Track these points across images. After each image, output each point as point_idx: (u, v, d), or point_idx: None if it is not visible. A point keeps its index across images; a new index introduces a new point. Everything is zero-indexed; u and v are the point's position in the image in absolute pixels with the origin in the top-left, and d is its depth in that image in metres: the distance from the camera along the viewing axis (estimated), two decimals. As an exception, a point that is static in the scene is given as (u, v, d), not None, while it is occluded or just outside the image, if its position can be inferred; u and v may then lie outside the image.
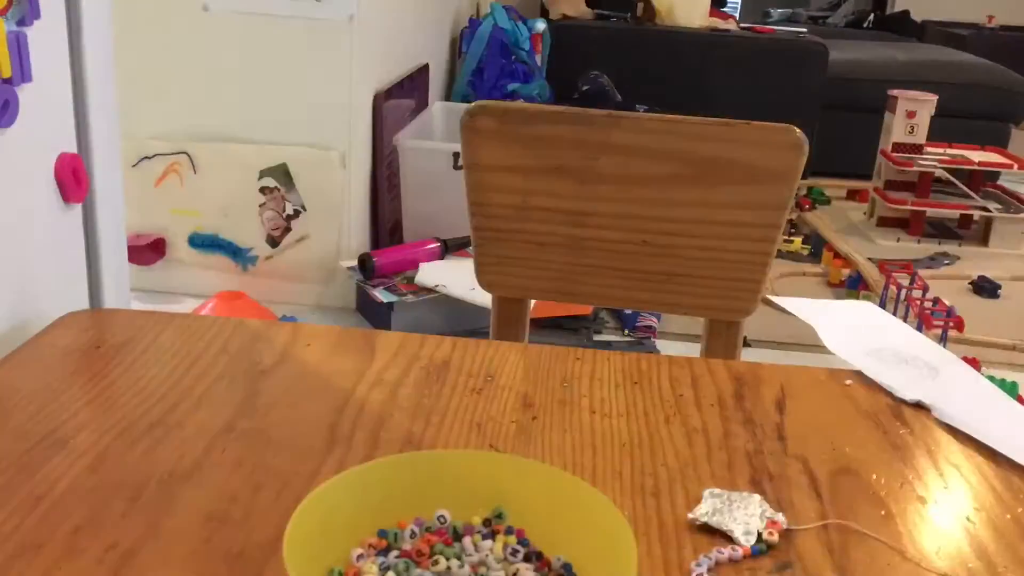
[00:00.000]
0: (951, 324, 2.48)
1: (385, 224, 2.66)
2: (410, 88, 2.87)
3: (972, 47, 5.10)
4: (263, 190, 2.45)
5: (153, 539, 0.57)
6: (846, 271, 2.98)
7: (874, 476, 0.69)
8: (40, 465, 0.64)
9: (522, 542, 0.56)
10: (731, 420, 0.76)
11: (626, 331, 2.46)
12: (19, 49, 0.88)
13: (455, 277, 2.36)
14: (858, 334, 0.92)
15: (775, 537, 0.60)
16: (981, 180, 3.54)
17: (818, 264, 3.12)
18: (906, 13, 6.25)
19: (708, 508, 0.62)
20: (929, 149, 3.53)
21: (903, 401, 0.81)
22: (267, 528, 0.59)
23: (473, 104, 1.04)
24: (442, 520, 0.57)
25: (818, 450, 0.72)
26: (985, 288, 2.96)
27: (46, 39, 0.93)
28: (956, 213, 3.52)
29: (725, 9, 5.28)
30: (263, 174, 2.43)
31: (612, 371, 0.83)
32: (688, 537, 0.60)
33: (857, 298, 2.79)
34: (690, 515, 0.62)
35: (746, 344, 2.32)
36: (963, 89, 4.10)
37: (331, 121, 2.41)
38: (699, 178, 1.03)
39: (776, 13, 6.44)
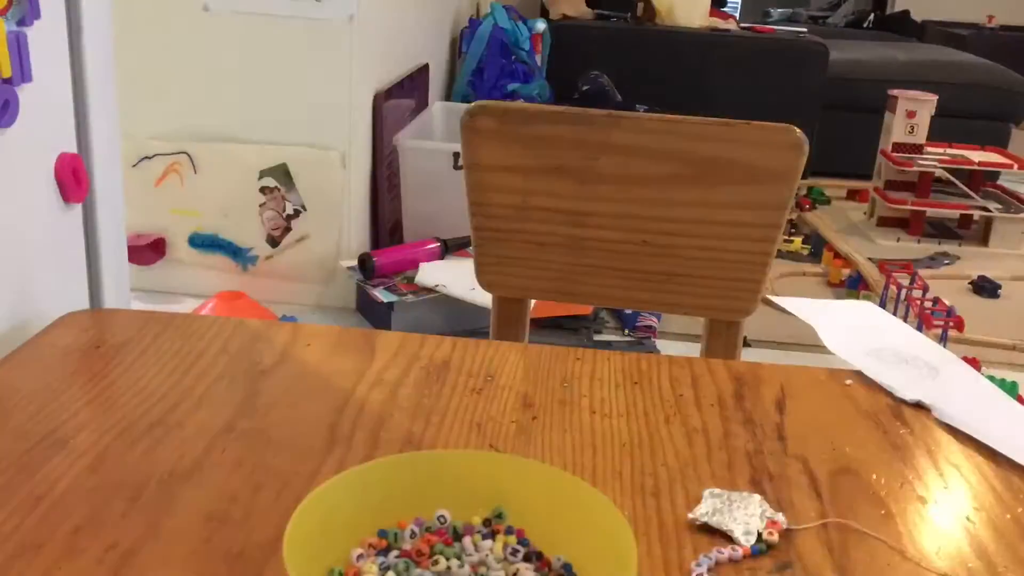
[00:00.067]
0: (951, 324, 2.48)
1: (385, 224, 2.66)
2: (410, 88, 2.87)
3: (972, 47, 5.10)
4: (263, 190, 2.45)
5: (153, 539, 0.57)
6: (846, 271, 2.98)
7: (874, 476, 0.69)
8: (40, 465, 0.64)
9: (522, 542, 0.56)
10: (731, 420, 0.76)
11: (626, 331, 2.46)
12: (19, 49, 0.88)
13: (455, 277, 2.36)
14: (858, 334, 0.92)
15: (775, 537, 0.60)
16: (981, 180, 3.54)
17: (818, 264, 3.12)
18: (906, 13, 6.25)
19: (708, 508, 0.62)
20: (929, 149, 3.53)
21: (903, 401, 0.81)
22: (267, 528, 0.59)
23: (473, 104, 1.04)
24: (442, 520, 0.57)
25: (818, 450, 0.72)
26: (985, 288, 2.96)
27: (46, 39, 0.93)
28: (956, 213, 3.52)
29: (725, 9, 5.28)
30: (263, 174, 2.44)
31: (612, 371, 0.83)
32: (688, 537, 0.60)
33: (857, 298, 2.79)
34: (690, 515, 0.62)
35: (746, 344, 2.32)
36: (963, 89, 4.10)
37: (331, 121, 2.41)
38: (699, 178, 1.03)
39: (776, 13, 6.44)
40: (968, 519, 0.65)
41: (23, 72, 0.88)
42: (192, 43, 2.38)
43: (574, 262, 1.08)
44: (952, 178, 3.41)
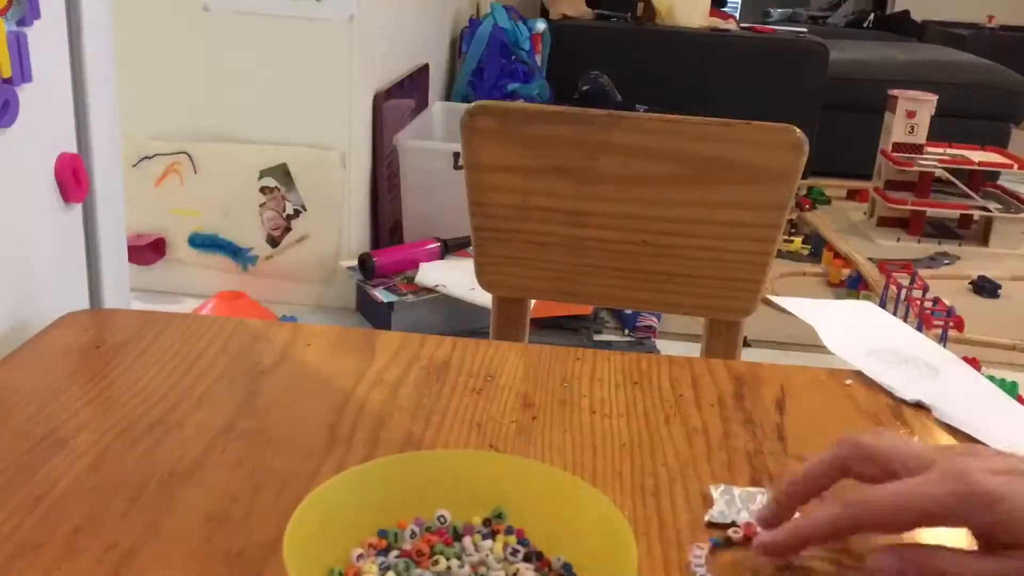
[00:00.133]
0: (951, 324, 2.48)
1: (385, 224, 2.66)
2: (410, 88, 2.87)
3: (972, 47, 5.10)
4: (263, 190, 2.45)
5: (153, 539, 0.57)
6: (846, 271, 2.98)
7: (874, 476, 0.69)
8: (40, 465, 0.64)
9: (522, 542, 0.56)
10: (731, 420, 0.76)
11: (626, 331, 2.46)
12: (19, 49, 0.88)
13: (455, 277, 2.36)
14: (858, 334, 0.92)
15: (739, 535, 0.59)
16: (981, 180, 3.54)
17: (818, 264, 3.12)
18: (906, 13, 6.25)
19: (722, 507, 0.62)
20: (929, 149, 3.53)
21: (903, 401, 0.80)
22: (267, 528, 0.59)
23: (473, 104, 1.04)
24: (442, 520, 0.57)
25: (818, 450, 0.72)
26: (985, 288, 2.96)
27: (46, 39, 0.93)
28: (956, 213, 3.52)
29: (725, 9, 5.28)
30: (263, 174, 2.44)
31: (612, 371, 0.83)
32: (689, 537, 0.60)
33: (857, 298, 2.79)
34: (707, 517, 0.62)
35: (746, 344, 2.32)
36: (963, 89, 4.10)
37: (331, 121, 2.41)
38: (699, 178, 1.03)
39: (776, 13, 6.44)
40: (968, 519, 0.65)
41: (23, 72, 0.88)
42: (192, 43, 2.39)
43: (574, 262, 1.08)
44: (952, 178, 3.41)
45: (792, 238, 3.30)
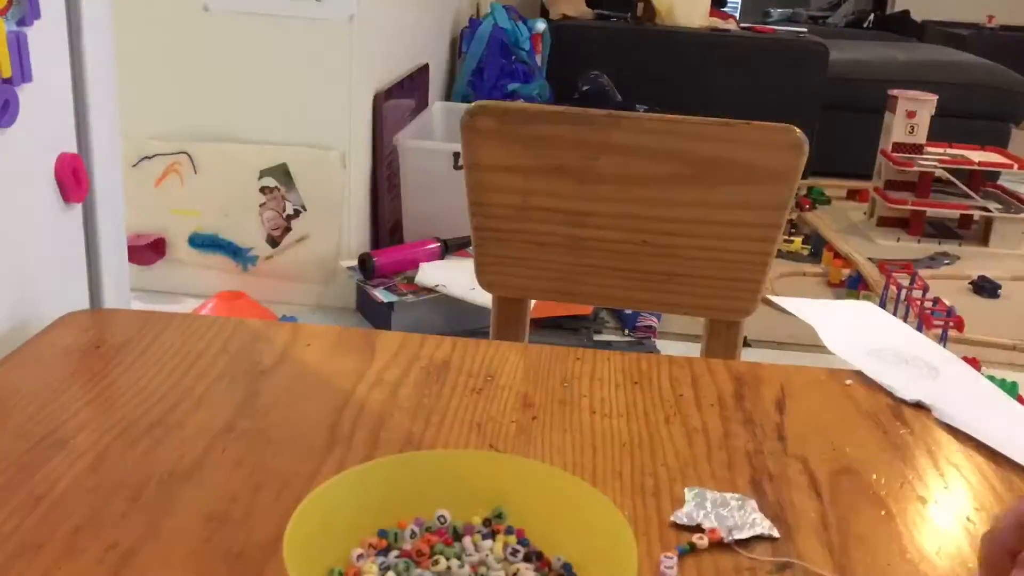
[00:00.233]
0: (951, 324, 2.48)
1: (385, 224, 2.66)
2: (410, 88, 2.87)
3: (972, 47, 5.10)
4: (263, 190, 2.45)
5: (153, 539, 0.57)
6: (846, 271, 2.98)
7: (874, 476, 0.69)
8: (40, 465, 0.64)
9: (522, 542, 0.56)
10: (731, 420, 0.76)
11: (626, 331, 2.46)
12: (19, 49, 0.88)
13: (455, 277, 2.36)
14: (858, 334, 0.92)
15: (704, 542, 0.59)
16: (981, 180, 3.54)
17: (818, 264, 3.12)
18: (906, 13, 6.25)
19: (690, 508, 0.62)
20: (929, 149, 3.53)
21: (903, 401, 0.80)
22: (267, 528, 0.59)
23: (473, 104, 1.04)
24: (442, 520, 0.57)
25: (818, 450, 0.72)
26: (985, 288, 2.96)
27: (46, 39, 0.93)
28: (956, 213, 3.52)
29: (725, 9, 5.28)
30: (263, 174, 2.44)
31: (612, 371, 0.83)
32: (689, 537, 0.60)
33: (857, 298, 2.79)
34: (672, 518, 0.62)
35: (746, 344, 2.32)
36: (963, 89, 4.10)
37: (331, 121, 2.41)
38: (699, 178, 1.03)
39: (776, 13, 6.43)
40: (968, 519, 0.65)
41: (23, 72, 0.88)
42: (192, 43, 2.38)
43: (574, 262, 1.08)
44: (952, 178, 3.41)
45: (792, 238, 3.30)
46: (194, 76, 2.41)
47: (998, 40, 5.71)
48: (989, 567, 0.51)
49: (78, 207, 1.02)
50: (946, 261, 3.25)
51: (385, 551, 0.54)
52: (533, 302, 1.16)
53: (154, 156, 2.45)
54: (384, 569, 0.53)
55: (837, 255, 3.08)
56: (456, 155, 2.53)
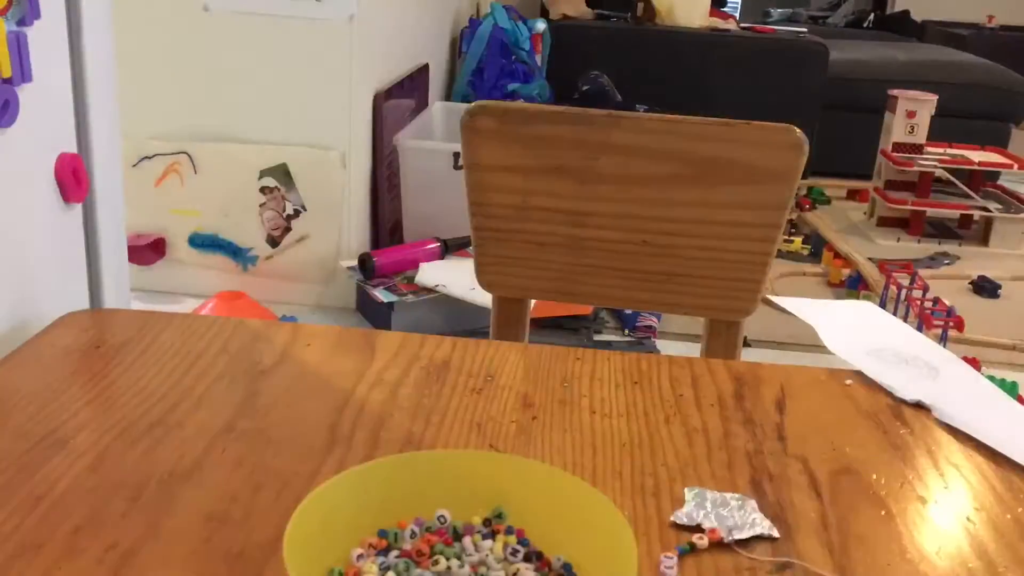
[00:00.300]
0: (951, 324, 2.48)
1: (385, 224, 2.66)
2: (410, 88, 2.87)
3: (972, 47, 5.10)
4: (263, 190, 2.45)
5: (153, 539, 0.57)
6: (846, 271, 2.98)
7: (874, 476, 0.69)
8: (40, 465, 0.64)
9: (522, 542, 0.56)
10: (731, 420, 0.76)
11: (626, 331, 2.46)
12: (19, 49, 0.88)
13: (455, 277, 2.36)
14: (858, 334, 0.92)
15: (704, 542, 0.59)
16: (981, 180, 3.54)
17: (818, 264, 3.12)
18: (906, 13, 6.25)
19: (690, 508, 0.62)
20: (929, 149, 3.53)
21: (903, 401, 0.80)
22: (267, 528, 0.59)
23: (473, 104, 1.04)
24: (442, 520, 0.57)
25: (818, 450, 0.72)
26: (985, 288, 2.96)
27: (46, 39, 0.93)
28: (956, 213, 3.52)
29: (725, 9, 5.28)
30: (263, 174, 2.44)
31: (612, 371, 0.83)
32: (689, 537, 0.60)
33: (857, 298, 2.79)
34: (672, 518, 0.62)
35: (746, 344, 2.32)
36: (963, 89, 4.10)
37: (331, 121, 2.41)
38: (699, 178, 1.03)
39: (776, 13, 6.44)
40: (968, 519, 0.65)
41: (23, 72, 0.88)
42: (192, 43, 2.38)
43: (574, 262, 1.08)
44: (952, 178, 3.41)
45: (792, 238, 3.30)
46: (194, 76, 2.41)
47: (998, 40, 5.71)
48: None
49: (78, 207, 1.02)
50: (946, 261, 3.25)
51: (385, 551, 0.54)
52: (533, 302, 1.16)
53: (154, 156, 2.45)
54: (384, 569, 0.53)
55: (837, 255, 3.08)
56: (456, 155, 2.53)
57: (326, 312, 2.51)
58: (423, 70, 3.04)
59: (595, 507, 0.54)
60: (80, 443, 0.67)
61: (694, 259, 1.05)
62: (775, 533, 0.61)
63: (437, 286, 2.34)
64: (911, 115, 3.50)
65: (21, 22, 0.88)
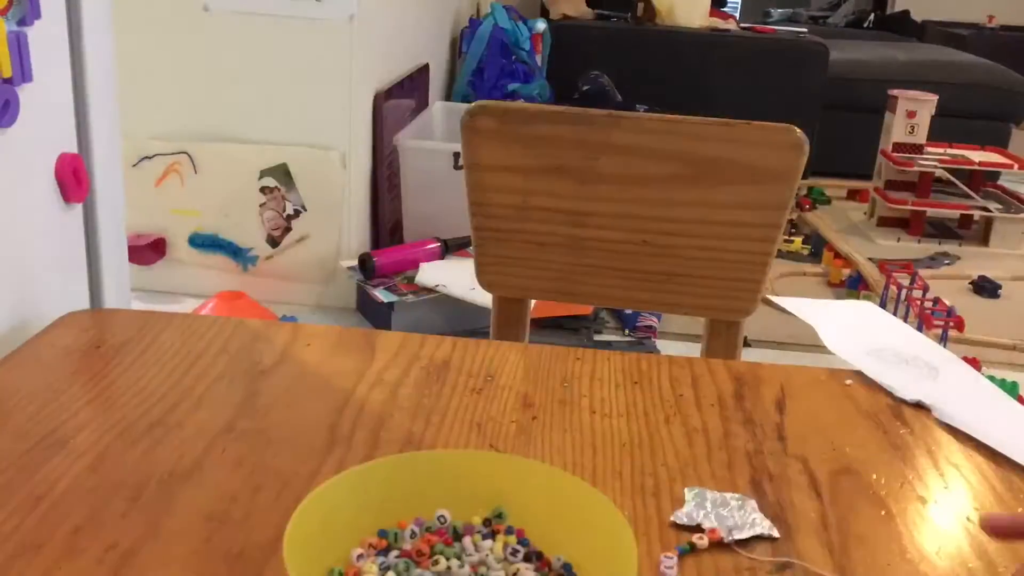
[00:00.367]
0: (951, 324, 2.48)
1: (385, 224, 2.66)
2: (410, 88, 2.87)
3: (972, 47, 5.10)
4: (263, 190, 2.45)
5: (153, 539, 0.57)
6: (846, 271, 2.98)
7: (874, 476, 0.69)
8: (40, 465, 0.64)
9: (522, 542, 0.56)
10: (731, 420, 0.76)
11: (626, 331, 2.46)
12: (19, 49, 0.88)
13: (455, 277, 2.36)
14: (858, 334, 0.92)
15: (704, 542, 0.59)
16: (981, 180, 3.54)
17: (818, 264, 3.12)
18: (906, 13, 6.25)
19: (690, 508, 0.62)
20: (929, 149, 3.52)
21: (903, 401, 0.80)
22: (267, 528, 0.59)
23: (473, 104, 1.04)
24: (442, 520, 0.57)
25: (818, 450, 0.72)
26: (985, 288, 2.96)
27: (46, 39, 0.93)
28: (956, 213, 3.52)
29: (725, 9, 5.28)
30: (263, 174, 2.43)
31: (612, 371, 0.83)
32: (689, 537, 0.60)
33: (857, 298, 2.79)
34: (672, 518, 0.62)
35: (746, 344, 2.32)
36: (963, 89, 4.10)
37: (331, 121, 2.41)
38: (699, 178, 1.03)
39: (776, 13, 6.43)
40: (968, 519, 0.65)
41: (23, 72, 0.88)
42: (192, 43, 2.38)
43: (574, 262, 1.08)
44: (952, 178, 3.41)
45: (792, 238, 3.30)
46: (194, 76, 2.41)
47: (998, 40, 5.71)
48: None
49: (78, 207, 1.02)
50: (946, 261, 3.25)
51: (385, 551, 0.54)
52: (533, 302, 1.16)
53: (154, 156, 2.45)
54: (384, 569, 0.53)
55: (837, 255, 3.08)
56: (456, 155, 2.53)
57: (326, 312, 2.51)
58: (423, 70, 3.04)
59: (595, 507, 0.54)
60: (80, 443, 0.67)
61: (694, 259, 1.05)
62: (775, 533, 0.61)
63: (437, 286, 2.34)
64: (911, 115, 3.50)
65: (21, 22, 0.88)
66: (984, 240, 3.43)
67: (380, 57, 2.57)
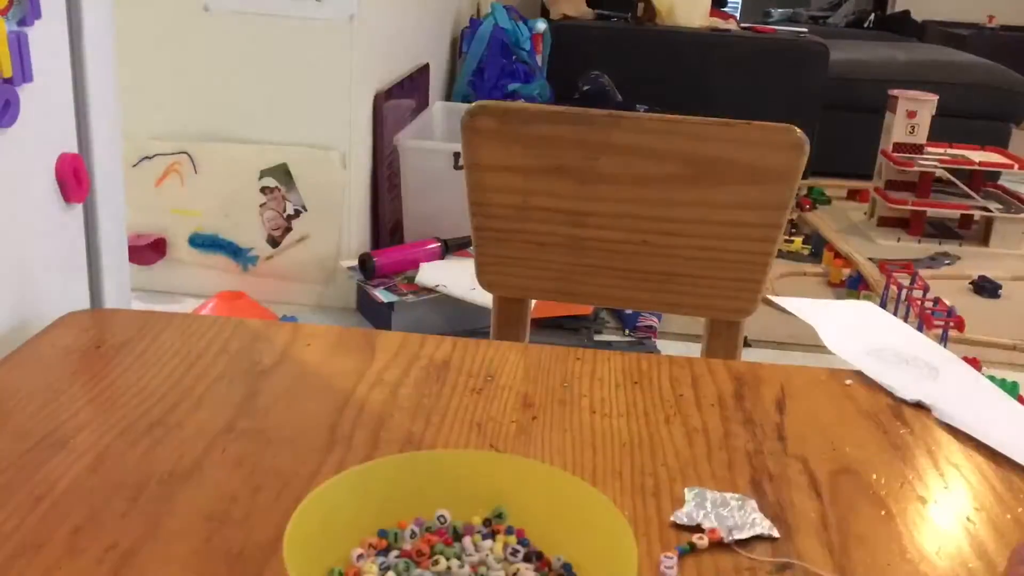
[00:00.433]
0: (951, 324, 2.48)
1: (385, 224, 2.66)
2: (410, 88, 2.87)
3: (972, 47, 5.10)
4: (263, 190, 2.45)
5: (153, 539, 0.57)
6: (846, 271, 2.98)
7: (874, 476, 0.69)
8: (40, 465, 0.64)
9: (522, 542, 0.56)
10: (731, 420, 0.76)
11: (626, 331, 2.46)
12: (20, 49, 0.88)
13: (455, 277, 2.36)
14: (858, 334, 0.92)
15: (704, 542, 0.59)
16: (981, 180, 3.54)
17: (818, 264, 3.12)
18: (906, 13, 6.25)
19: (690, 508, 0.62)
20: (929, 149, 3.52)
21: (903, 401, 0.80)
22: (267, 528, 0.59)
23: (473, 104, 1.04)
24: (442, 520, 0.57)
25: (818, 450, 0.72)
26: (985, 288, 2.96)
27: (47, 39, 0.93)
28: (956, 213, 3.52)
29: (725, 9, 5.28)
30: (263, 174, 2.44)
31: (612, 371, 0.83)
32: (689, 537, 0.60)
33: (857, 298, 2.79)
34: (672, 518, 0.62)
35: (746, 344, 2.32)
36: (963, 89, 4.10)
37: (331, 121, 2.41)
38: (699, 178, 1.03)
39: (776, 13, 6.43)
40: (968, 519, 0.65)
41: (24, 72, 0.88)
42: (192, 43, 2.38)
43: (574, 262, 1.08)
44: (952, 178, 3.41)
45: (792, 238, 3.30)
46: (194, 76, 2.41)
47: (998, 40, 5.72)
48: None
49: (79, 207, 1.02)
50: (946, 261, 3.25)
51: (385, 551, 0.54)
52: (533, 302, 1.16)
53: (154, 156, 2.45)
54: (384, 569, 0.53)
55: (837, 255, 3.08)
56: (456, 155, 2.53)
57: (326, 312, 2.51)
58: (423, 70, 3.04)
59: (595, 507, 0.54)
60: (80, 443, 0.67)
61: (694, 259, 1.05)
62: (775, 533, 0.61)
63: (437, 286, 2.34)
64: (911, 115, 3.50)
65: (22, 22, 0.88)
66: (984, 240, 3.43)
67: (380, 57, 2.57)
